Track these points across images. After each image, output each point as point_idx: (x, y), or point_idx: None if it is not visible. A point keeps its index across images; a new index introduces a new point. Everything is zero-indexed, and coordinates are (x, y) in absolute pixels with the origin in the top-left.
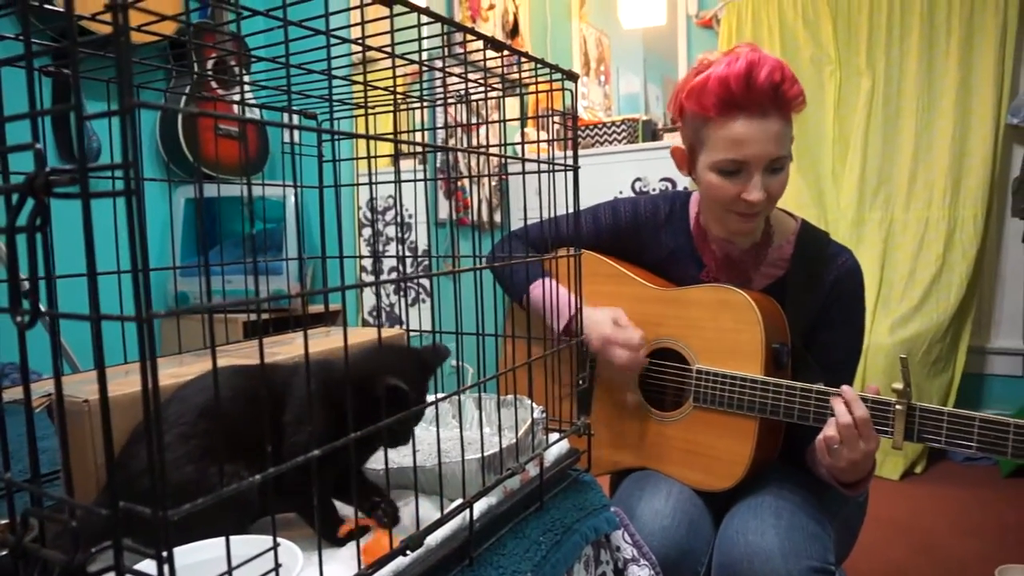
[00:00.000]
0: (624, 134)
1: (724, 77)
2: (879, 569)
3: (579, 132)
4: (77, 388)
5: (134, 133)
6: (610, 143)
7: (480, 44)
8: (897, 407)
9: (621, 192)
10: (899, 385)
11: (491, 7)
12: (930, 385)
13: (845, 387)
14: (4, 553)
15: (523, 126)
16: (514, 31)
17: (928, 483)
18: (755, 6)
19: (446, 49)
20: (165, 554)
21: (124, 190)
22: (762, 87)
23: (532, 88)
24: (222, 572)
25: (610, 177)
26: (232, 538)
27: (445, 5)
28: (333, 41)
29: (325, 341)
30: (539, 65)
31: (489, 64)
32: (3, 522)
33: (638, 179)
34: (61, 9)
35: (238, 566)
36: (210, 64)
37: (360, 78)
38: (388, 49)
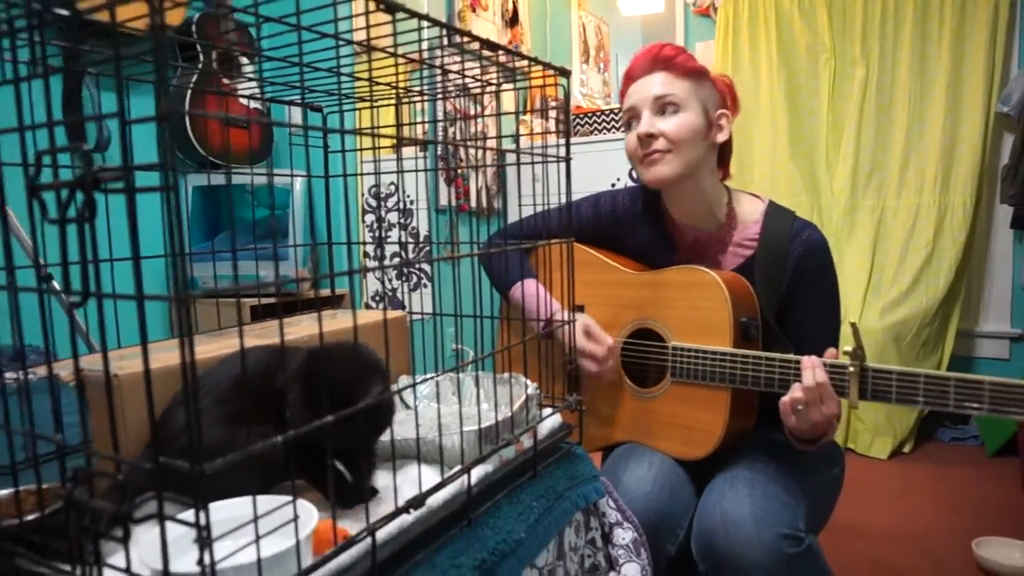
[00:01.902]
0: (622, 121)
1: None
2: (863, 543)
3: (577, 120)
4: (111, 363)
5: (171, 136)
6: (608, 130)
7: (483, 29)
8: (851, 369)
9: (619, 179)
10: (849, 348)
11: None
12: (918, 367)
13: (805, 356)
14: (59, 506)
15: (517, 120)
16: (513, 20)
17: (915, 462)
18: None
19: (446, 40)
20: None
21: (163, 186)
22: (643, 57)
23: (528, 82)
24: (248, 521)
25: (608, 164)
26: (255, 497)
27: None
28: (340, 42)
29: (331, 323)
30: (532, 63)
31: (487, 58)
32: (47, 486)
33: None
34: (105, 19)
35: (261, 516)
36: (215, 54)
37: (365, 74)
38: (391, 48)
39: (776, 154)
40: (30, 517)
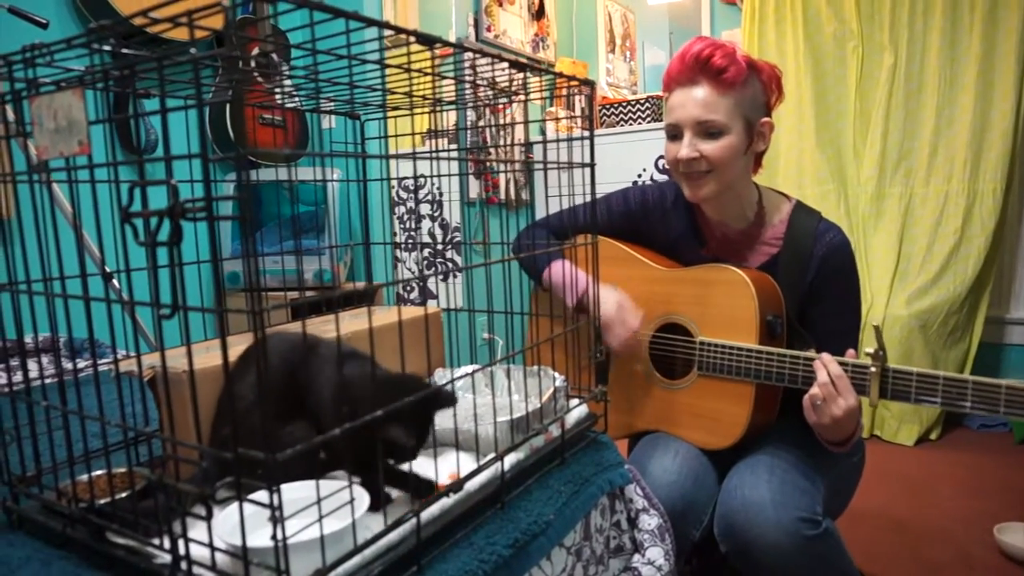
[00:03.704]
0: (648, 112)
1: (669, 63)
2: (883, 525)
3: (604, 110)
4: (176, 361)
5: (249, 178)
6: (634, 121)
7: (510, 23)
8: (872, 369)
9: (644, 169)
10: (870, 349)
11: None
12: (946, 355)
13: (822, 354)
14: (144, 485)
15: (543, 115)
16: (540, 12)
17: (941, 449)
18: None
19: (479, 60)
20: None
21: (239, 215)
22: (689, 60)
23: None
24: (311, 503)
25: (633, 156)
26: (313, 482)
27: None
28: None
29: (373, 319)
30: (557, 76)
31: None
32: (135, 469)
33: (660, 157)
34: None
35: (325, 497)
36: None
37: (400, 87)
38: (427, 70)
39: (803, 142)
40: (121, 496)
